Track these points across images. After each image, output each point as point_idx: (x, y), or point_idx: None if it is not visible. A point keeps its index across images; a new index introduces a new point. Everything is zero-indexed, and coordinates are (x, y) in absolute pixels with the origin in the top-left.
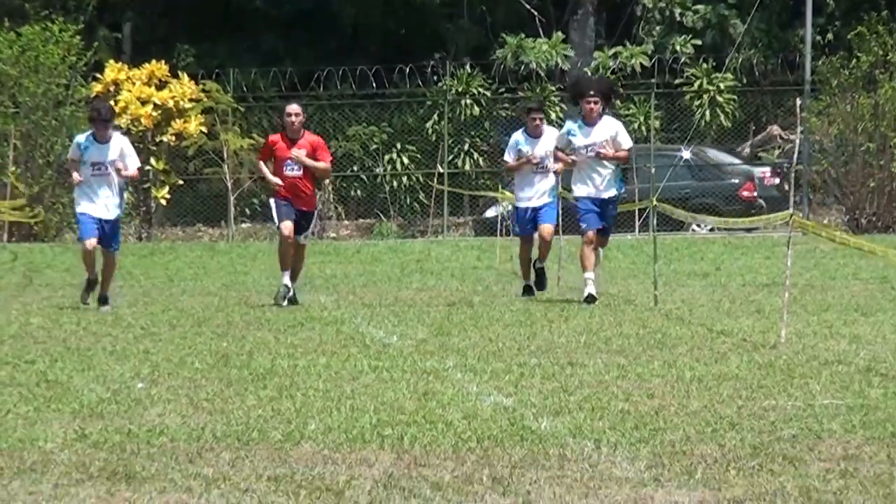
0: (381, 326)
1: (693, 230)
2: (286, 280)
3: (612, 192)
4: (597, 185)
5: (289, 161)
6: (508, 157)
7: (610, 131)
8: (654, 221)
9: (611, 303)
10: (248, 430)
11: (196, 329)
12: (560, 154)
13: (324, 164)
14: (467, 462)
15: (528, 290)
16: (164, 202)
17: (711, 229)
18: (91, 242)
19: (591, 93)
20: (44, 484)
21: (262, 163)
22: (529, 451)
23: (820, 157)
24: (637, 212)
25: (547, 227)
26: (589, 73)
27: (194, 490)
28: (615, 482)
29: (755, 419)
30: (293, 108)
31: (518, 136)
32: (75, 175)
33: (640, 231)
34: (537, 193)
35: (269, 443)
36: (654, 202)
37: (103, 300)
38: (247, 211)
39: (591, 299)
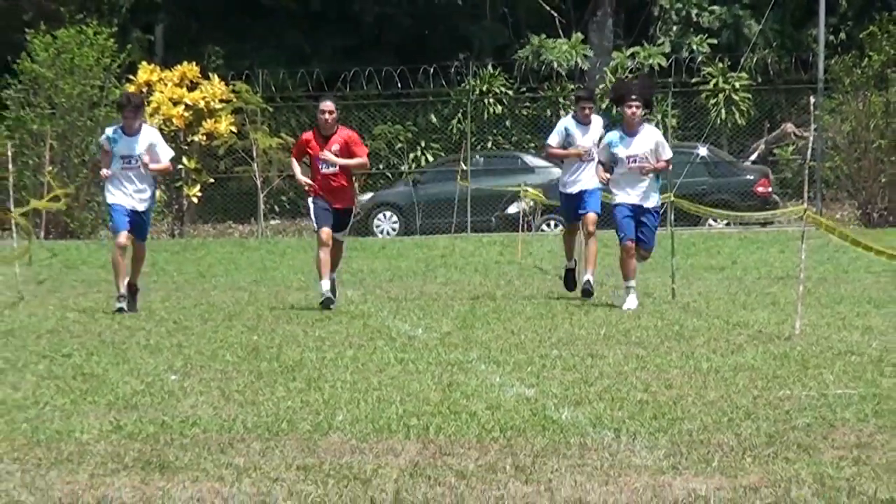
0: (406, 320)
1: (709, 225)
2: (325, 288)
3: (653, 202)
4: (637, 194)
5: (323, 162)
6: (553, 142)
7: (650, 143)
8: (672, 217)
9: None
10: (278, 421)
11: (227, 323)
12: (601, 172)
13: (358, 160)
14: (491, 451)
15: (569, 275)
16: (195, 200)
17: (727, 224)
18: (124, 235)
19: (633, 97)
20: (80, 474)
21: (294, 161)
22: (551, 440)
23: (833, 153)
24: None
25: (591, 216)
26: (624, 77)
27: (226, 479)
28: (634, 470)
29: (770, 408)
30: (327, 104)
31: (567, 121)
32: (104, 171)
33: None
34: (584, 179)
35: (298, 433)
36: (672, 198)
37: (132, 289)
38: (276, 208)
39: (631, 305)
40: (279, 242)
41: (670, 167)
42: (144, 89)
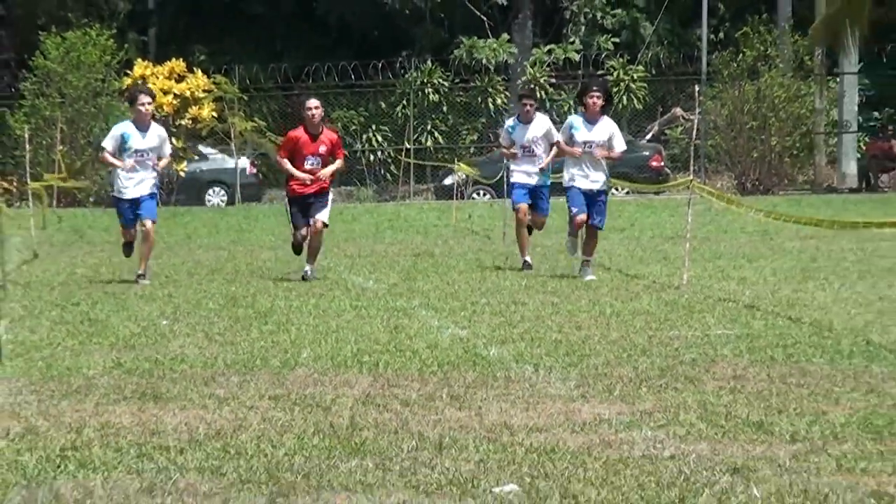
0: (359, 273)
1: (612, 193)
2: (307, 269)
3: (602, 185)
4: (591, 179)
5: (309, 155)
6: (503, 142)
7: (607, 133)
8: None
9: (546, 253)
10: (253, 359)
11: (209, 277)
12: (564, 147)
13: (339, 163)
14: (430, 383)
15: (526, 265)
16: (182, 174)
17: (627, 193)
18: (130, 232)
19: (595, 88)
20: (87, 403)
21: (284, 160)
22: (480, 373)
23: (714, 133)
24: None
25: (540, 219)
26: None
27: (209, 407)
28: (550, 398)
29: (662, 346)
30: (313, 102)
31: (510, 121)
32: (128, 161)
33: None
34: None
35: (269, 368)
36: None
37: (142, 276)
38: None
39: (589, 278)
40: (252, 210)
41: (622, 158)
42: (139, 81)
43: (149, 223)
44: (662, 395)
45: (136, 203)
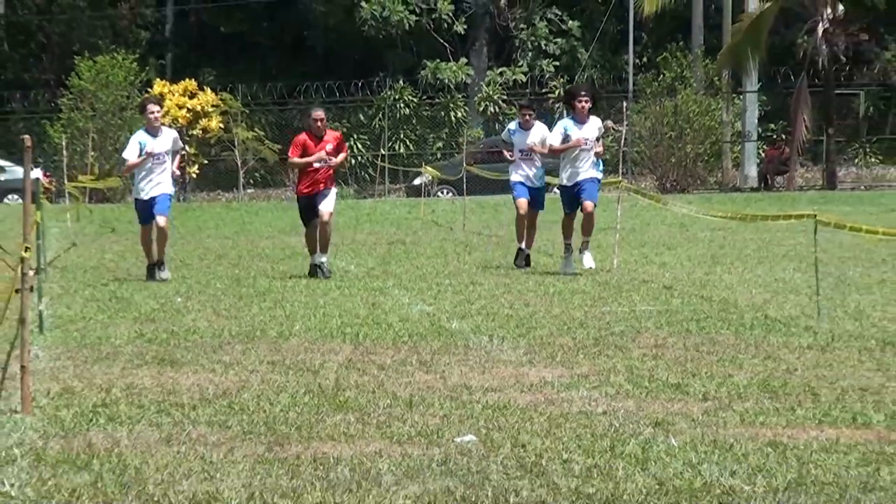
0: (342, 259)
1: (554, 191)
2: (316, 259)
3: (595, 174)
4: (582, 170)
5: (316, 154)
6: (504, 138)
7: (596, 130)
8: None
9: (500, 243)
10: (254, 330)
11: (217, 261)
12: (561, 146)
13: (343, 156)
14: (402, 351)
15: (522, 257)
16: (194, 175)
17: None
18: (147, 229)
19: (583, 93)
20: (114, 368)
21: (295, 158)
22: (444, 343)
23: (639, 142)
24: None
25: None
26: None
27: (217, 371)
28: (502, 364)
29: (596, 320)
30: (318, 113)
31: (513, 125)
32: (145, 157)
33: None
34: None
35: (267, 339)
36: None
37: (160, 265)
38: (251, 181)
39: (587, 264)
40: (253, 205)
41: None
42: (158, 97)
43: (162, 220)
44: (596, 360)
45: (153, 202)
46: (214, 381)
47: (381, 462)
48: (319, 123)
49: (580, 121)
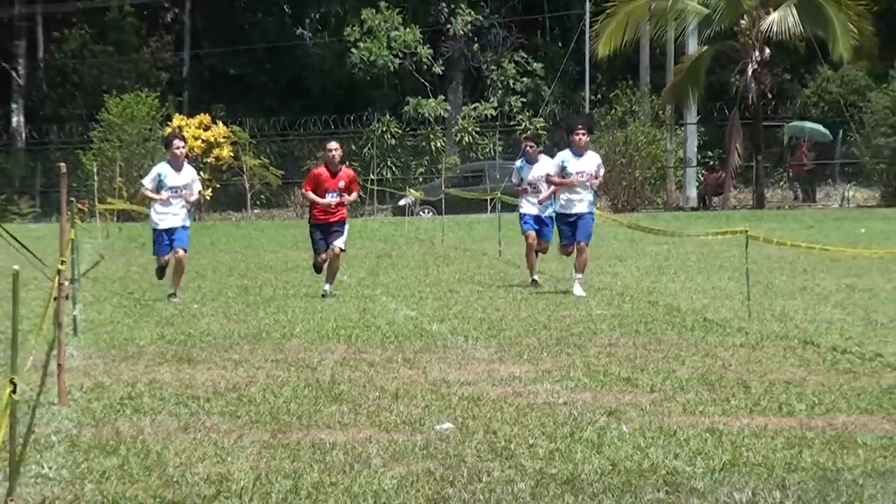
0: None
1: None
2: (324, 287)
3: (591, 209)
4: (577, 203)
5: (330, 189)
6: (514, 180)
7: (594, 163)
8: (499, 206)
9: (474, 256)
10: (260, 332)
11: (228, 272)
12: (556, 179)
13: (354, 195)
14: (389, 350)
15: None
16: (208, 198)
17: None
18: (163, 259)
19: (580, 126)
20: (139, 365)
21: (309, 192)
22: (426, 343)
23: None
24: (488, 200)
25: (545, 244)
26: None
27: (228, 367)
28: (476, 361)
29: (558, 322)
30: (333, 144)
31: (519, 162)
32: (164, 194)
33: (490, 212)
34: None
35: (272, 340)
36: (499, 195)
37: (174, 294)
38: (258, 203)
39: (578, 294)
40: (259, 224)
41: (603, 181)
42: (176, 130)
43: (181, 252)
44: (558, 358)
45: (170, 232)
46: (225, 376)
47: (371, 447)
48: (333, 153)
49: (578, 153)
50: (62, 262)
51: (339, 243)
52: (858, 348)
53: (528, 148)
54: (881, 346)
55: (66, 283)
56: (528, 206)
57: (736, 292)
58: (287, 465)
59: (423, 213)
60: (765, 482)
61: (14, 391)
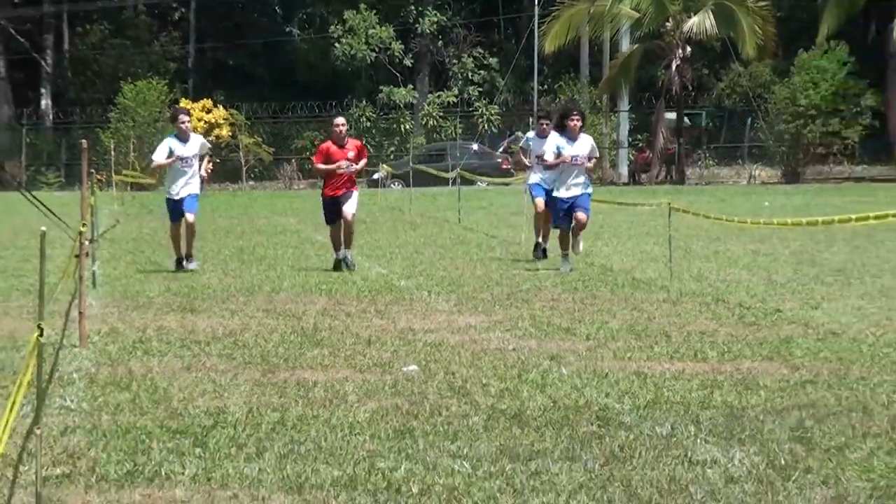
0: (320, 234)
1: (479, 185)
2: (340, 255)
3: (587, 190)
4: (574, 186)
5: (340, 160)
6: (521, 154)
7: (587, 146)
8: (459, 181)
9: (437, 222)
10: (253, 286)
11: (224, 234)
12: (552, 160)
13: (363, 161)
14: (363, 302)
15: (540, 249)
16: (207, 172)
17: (487, 184)
18: (176, 225)
19: (575, 113)
20: (149, 314)
21: (320, 165)
22: (395, 296)
23: None
24: (449, 174)
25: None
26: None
27: (225, 316)
28: (438, 312)
29: (509, 279)
30: (340, 120)
31: (530, 134)
32: (174, 158)
33: (451, 185)
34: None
35: (263, 293)
36: (459, 171)
37: (189, 257)
38: (251, 175)
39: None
40: (253, 194)
41: (597, 162)
42: (187, 109)
43: (190, 216)
44: (508, 310)
45: (182, 202)
46: (223, 324)
47: (347, 385)
48: (340, 128)
49: (572, 138)
50: (83, 225)
51: (350, 208)
52: (761, 304)
53: (543, 125)
54: (780, 303)
55: (87, 242)
56: (536, 177)
57: (660, 255)
58: (275, 400)
59: (394, 185)
60: (682, 418)
61: (41, 335)
